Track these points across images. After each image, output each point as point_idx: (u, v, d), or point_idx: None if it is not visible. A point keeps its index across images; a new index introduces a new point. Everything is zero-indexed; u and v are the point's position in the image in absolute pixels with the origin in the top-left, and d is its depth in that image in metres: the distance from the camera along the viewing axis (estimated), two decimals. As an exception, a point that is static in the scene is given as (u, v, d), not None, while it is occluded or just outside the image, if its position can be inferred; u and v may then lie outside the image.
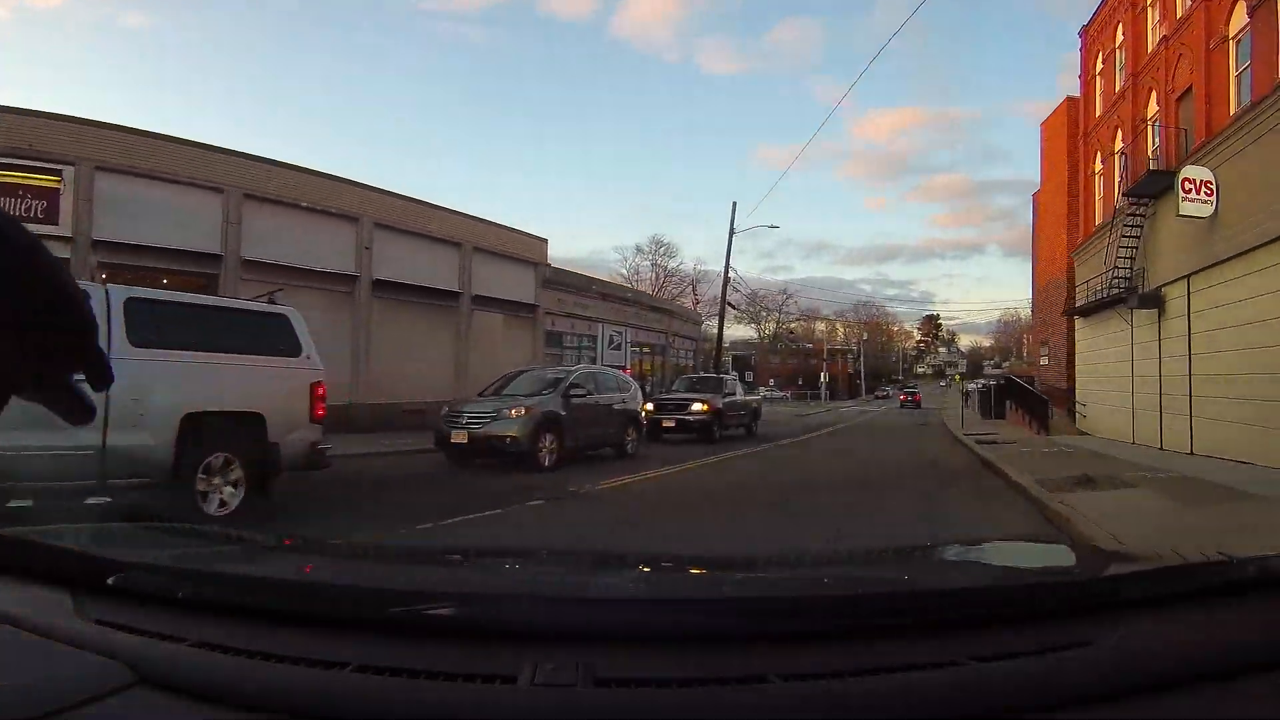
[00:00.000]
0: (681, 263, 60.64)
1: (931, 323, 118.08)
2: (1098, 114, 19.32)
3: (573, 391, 11.85)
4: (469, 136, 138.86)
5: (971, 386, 64.55)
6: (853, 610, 1.14)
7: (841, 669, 0.94)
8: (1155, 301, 14.35)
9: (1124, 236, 15.37)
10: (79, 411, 0.64)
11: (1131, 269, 15.41)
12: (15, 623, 1.08)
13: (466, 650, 0.99)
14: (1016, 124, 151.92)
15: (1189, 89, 13.98)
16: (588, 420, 11.89)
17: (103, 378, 0.62)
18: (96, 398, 0.66)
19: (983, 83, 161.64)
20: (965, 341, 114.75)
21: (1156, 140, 15.32)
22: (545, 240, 23.79)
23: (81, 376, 0.62)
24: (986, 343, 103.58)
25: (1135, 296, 14.56)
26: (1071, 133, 22.04)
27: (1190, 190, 12.20)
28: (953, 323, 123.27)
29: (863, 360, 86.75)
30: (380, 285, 17.54)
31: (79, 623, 1.10)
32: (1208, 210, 12.23)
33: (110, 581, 1.17)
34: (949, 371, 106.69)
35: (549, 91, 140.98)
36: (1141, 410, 15.36)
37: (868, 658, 0.98)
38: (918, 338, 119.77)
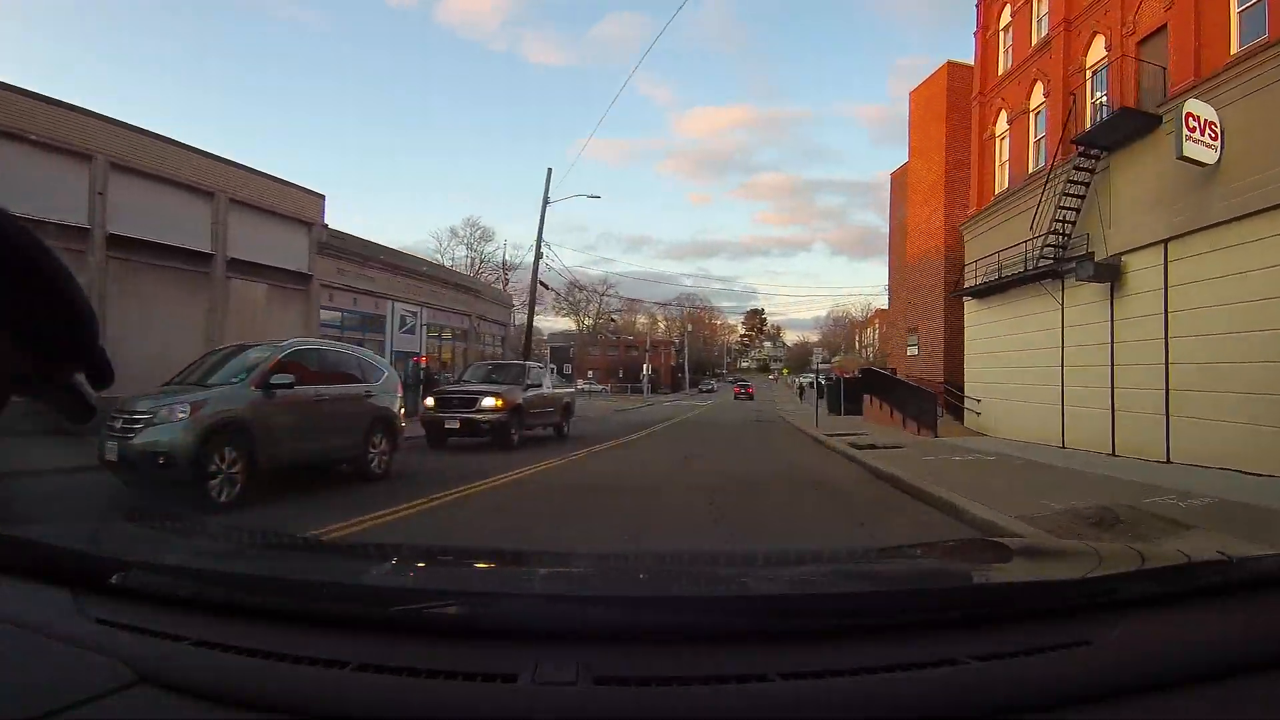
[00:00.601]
0: (498, 248, 56.25)
1: (756, 317, 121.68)
2: (1002, 71, 17.10)
3: (276, 379, 7.40)
4: (289, 115, 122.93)
5: (804, 380, 65.45)
6: (853, 609, 1.13)
7: (842, 668, 0.94)
8: (1111, 273, 11.85)
9: (1066, 195, 12.77)
10: (81, 410, 0.64)
11: (1068, 236, 12.94)
12: (17, 622, 1.08)
13: (467, 649, 0.99)
14: (846, 124, 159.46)
15: (1161, 28, 11.56)
16: (302, 424, 7.66)
17: (104, 377, 0.61)
18: None
19: (812, 83, 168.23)
20: (791, 337, 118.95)
21: (1101, 91, 12.95)
22: (321, 196, 18.84)
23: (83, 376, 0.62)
24: (814, 338, 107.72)
25: (1088, 265, 11.92)
26: (956, 98, 19.98)
27: (1195, 129, 9.61)
28: (778, 318, 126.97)
29: (686, 353, 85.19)
30: (118, 242, 13.08)
31: (80, 622, 1.09)
32: (1213, 156, 9.67)
33: (111, 580, 1.17)
34: (773, 366, 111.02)
35: (372, 76, 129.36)
36: (1076, 407, 12.90)
37: (869, 657, 0.97)
38: (741, 332, 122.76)
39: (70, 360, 0.60)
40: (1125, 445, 11.48)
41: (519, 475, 9.12)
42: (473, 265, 51.30)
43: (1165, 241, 10.77)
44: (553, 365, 23.10)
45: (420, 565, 1.74)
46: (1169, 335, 10.63)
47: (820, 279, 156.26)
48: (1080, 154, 12.57)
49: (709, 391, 73.38)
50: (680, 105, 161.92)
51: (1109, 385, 11.93)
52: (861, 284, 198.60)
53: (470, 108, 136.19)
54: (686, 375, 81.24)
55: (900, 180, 26.63)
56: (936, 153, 21.16)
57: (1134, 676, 0.96)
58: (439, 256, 48.77)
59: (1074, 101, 13.23)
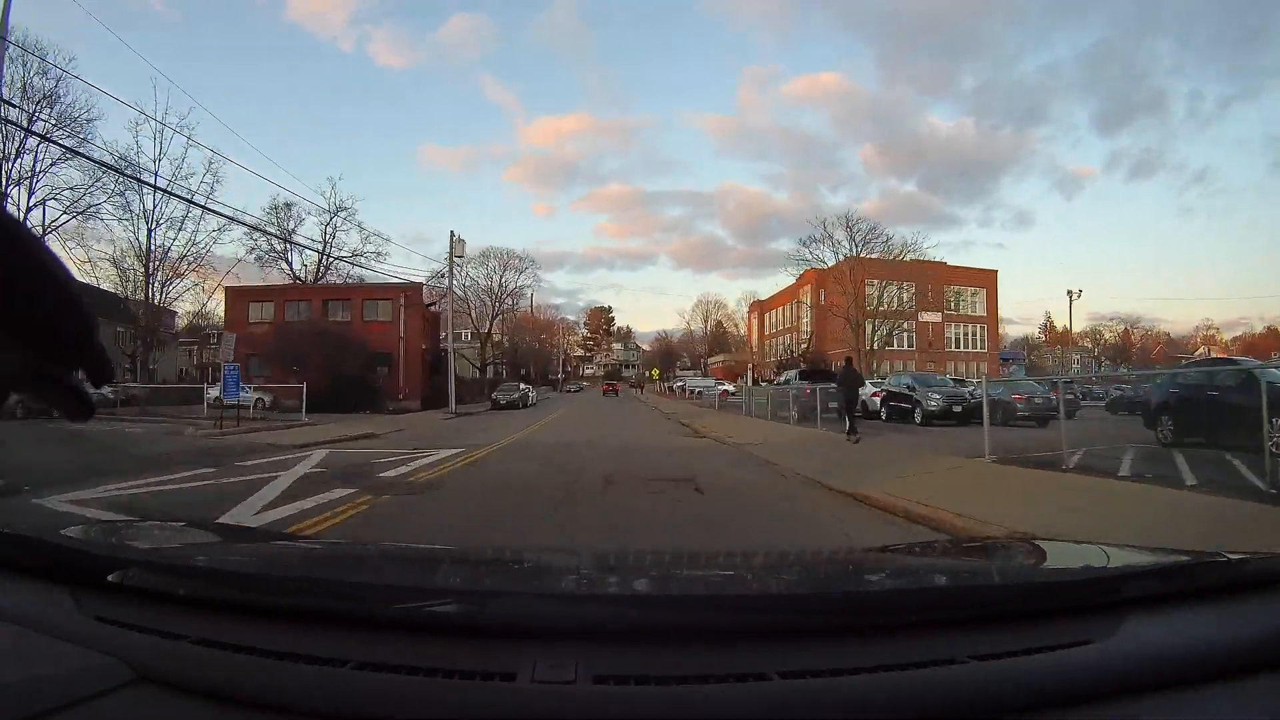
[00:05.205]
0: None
1: (602, 315, 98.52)
2: None
3: None
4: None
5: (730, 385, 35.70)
6: (854, 608, 1.12)
7: (842, 667, 0.93)
8: None
9: None
10: (80, 408, 0.63)
11: None
12: (16, 619, 1.06)
13: (467, 647, 0.98)
14: (690, 134, 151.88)
15: None
16: None
17: (102, 375, 0.61)
18: None
19: (657, 92, 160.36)
20: (642, 343, 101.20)
21: None
22: None
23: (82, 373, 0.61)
24: (675, 337, 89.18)
25: None
26: None
27: None
28: (626, 323, 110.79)
29: (450, 327, 37.41)
30: None
31: (79, 619, 1.08)
32: None
33: (110, 578, 1.14)
34: (627, 371, 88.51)
35: (216, 72, 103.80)
36: None
37: (869, 656, 0.96)
38: (585, 333, 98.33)
39: (71, 358, 0.60)
40: None
41: None
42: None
43: None
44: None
45: (420, 564, 1.71)
46: None
47: (665, 291, 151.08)
48: None
49: (508, 407, 33.65)
50: (526, 114, 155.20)
51: None
52: (711, 290, 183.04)
53: (322, 108, 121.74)
54: (451, 369, 31.37)
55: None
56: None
57: (1135, 676, 0.96)
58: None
59: None
